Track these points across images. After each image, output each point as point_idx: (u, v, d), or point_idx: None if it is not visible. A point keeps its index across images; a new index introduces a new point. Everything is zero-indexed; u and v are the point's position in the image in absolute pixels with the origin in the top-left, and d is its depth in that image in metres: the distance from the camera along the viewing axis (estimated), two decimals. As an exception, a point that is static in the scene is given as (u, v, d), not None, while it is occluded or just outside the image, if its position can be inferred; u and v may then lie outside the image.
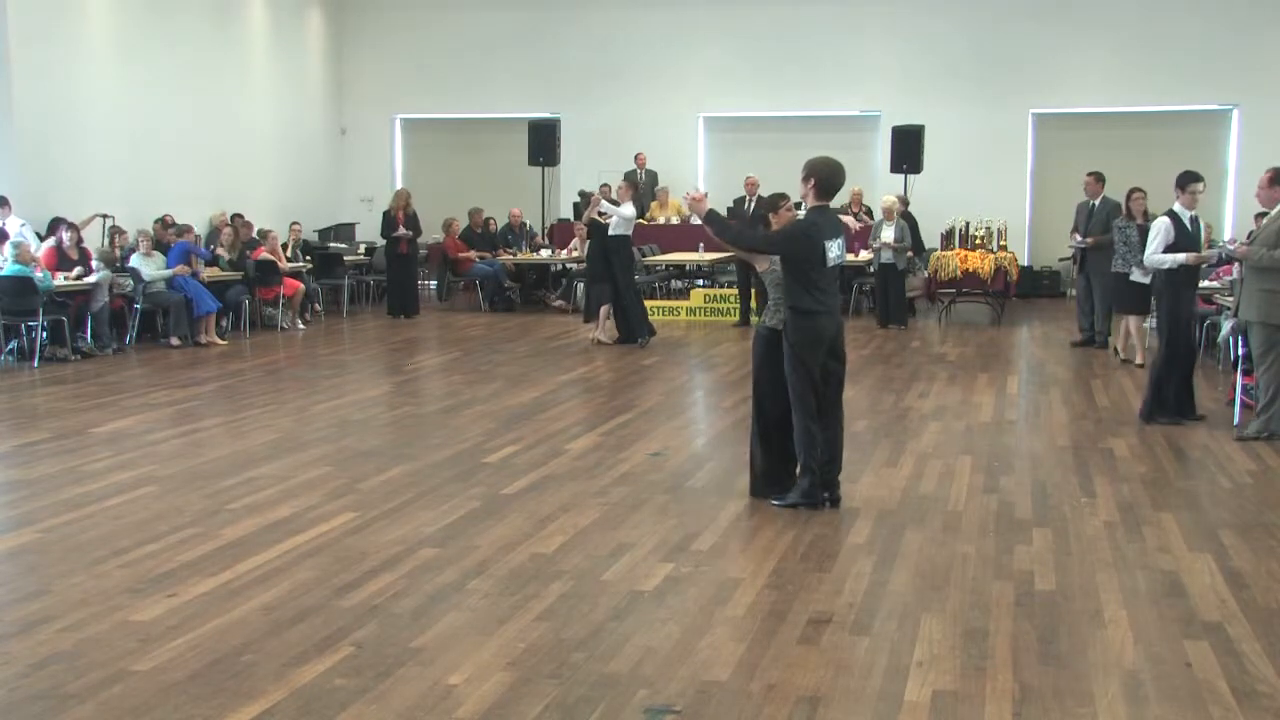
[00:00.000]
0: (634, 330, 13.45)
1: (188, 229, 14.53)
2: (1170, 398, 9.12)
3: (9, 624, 4.91)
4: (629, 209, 13.44)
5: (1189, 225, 9.07)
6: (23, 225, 13.23)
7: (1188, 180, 9.17)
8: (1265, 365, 8.44)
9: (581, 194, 18.07)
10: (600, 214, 13.46)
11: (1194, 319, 9.49)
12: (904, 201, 16.49)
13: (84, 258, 13.01)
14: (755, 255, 6.77)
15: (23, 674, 4.40)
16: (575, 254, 17.14)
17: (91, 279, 12.68)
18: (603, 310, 13.55)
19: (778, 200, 7.06)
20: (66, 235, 12.99)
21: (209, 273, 14.26)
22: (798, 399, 6.54)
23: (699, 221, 7.21)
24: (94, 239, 14.28)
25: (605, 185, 17.87)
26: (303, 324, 15.39)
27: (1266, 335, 8.39)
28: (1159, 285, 9.26)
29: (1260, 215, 9.43)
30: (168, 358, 12.79)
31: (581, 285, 15.49)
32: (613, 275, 13.36)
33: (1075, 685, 4.31)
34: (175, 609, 5.06)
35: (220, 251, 14.97)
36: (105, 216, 14.57)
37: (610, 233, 13.33)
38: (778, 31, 19.68)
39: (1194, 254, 8.99)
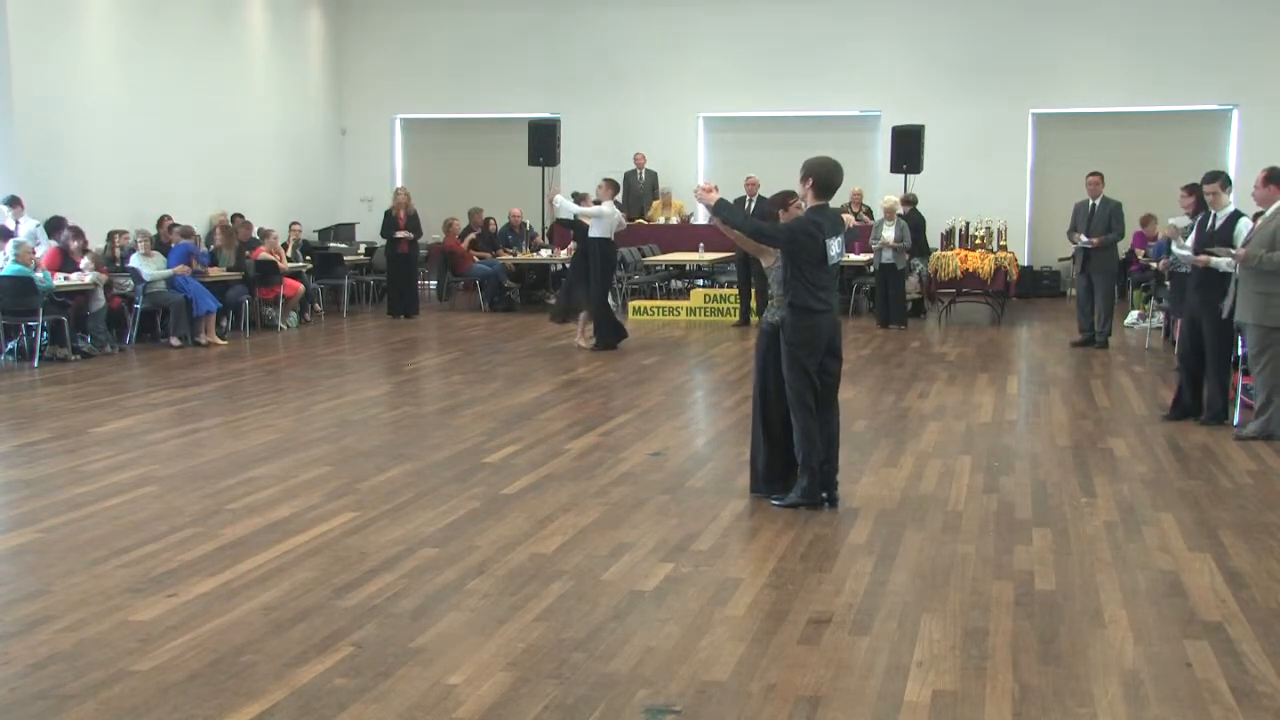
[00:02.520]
0: (601, 335, 13.08)
1: (188, 230, 14.53)
2: (1188, 397, 9.15)
3: (9, 624, 4.91)
4: (605, 208, 12.97)
5: (1208, 224, 9.10)
6: (36, 225, 13.23)
7: (1204, 181, 9.30)
8: (1260, 366, 8.44)
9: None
10: (556, 207, 12.96)
11: (1202, 319, 9.01)
12: (911, 201, 16.49)
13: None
14: (762, 250, 6.79)
15: (23, 674, 4.40)
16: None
17: (86, 280, 12.64)
18: (582, 316, 13.22)
19: (787, 198, 7.04)
20: (75, 243, 12.98)
21: (211, 272, 14.25)
22: (796, 398, 6.56)
23: (706, 218, 7.21)
24: (97, 241, 14.24)
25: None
26: (286, 325, 15.20)
27: (1261, 337, 8.38)
28: None
29: (1257, 215, 9.43)
30: (168, 358, 12.78)
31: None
32: (588, 278, 12.99)
33: (1075, 685, 4.31)
34: (175, 609, 5.06)
35: (217, 246, 14.97)
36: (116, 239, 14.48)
37: (589, 234, 12.96)
38: (778, 32, 19.67)
39: (1195, 256, 9.00)
